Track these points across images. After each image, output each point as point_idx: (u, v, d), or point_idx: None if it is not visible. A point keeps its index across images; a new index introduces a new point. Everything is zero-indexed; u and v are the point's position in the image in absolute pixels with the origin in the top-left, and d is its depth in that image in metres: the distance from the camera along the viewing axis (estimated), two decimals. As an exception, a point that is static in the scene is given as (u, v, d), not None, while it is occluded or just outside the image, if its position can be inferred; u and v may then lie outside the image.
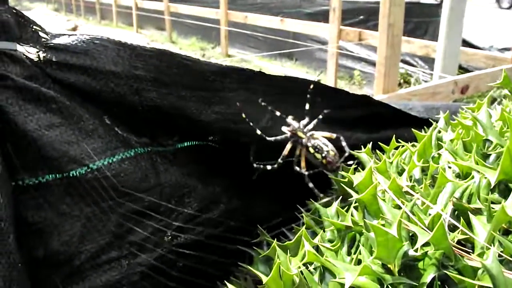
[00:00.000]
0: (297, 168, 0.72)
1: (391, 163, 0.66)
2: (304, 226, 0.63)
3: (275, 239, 0.60)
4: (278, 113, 0.70)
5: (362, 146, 0.75)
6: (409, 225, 0.46)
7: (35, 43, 0.53)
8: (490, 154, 0.59)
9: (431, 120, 0.84)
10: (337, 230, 0.56)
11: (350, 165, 0.72)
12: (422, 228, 0.45)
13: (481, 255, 0.43)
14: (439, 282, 0.42)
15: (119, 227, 0.58)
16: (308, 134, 0.72)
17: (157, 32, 8.22)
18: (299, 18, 4.92)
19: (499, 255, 0.42)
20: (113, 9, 9.74)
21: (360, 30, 3.59)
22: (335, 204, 0.61)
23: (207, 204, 0.68)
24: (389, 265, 0.44)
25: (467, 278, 0.40)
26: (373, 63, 4.05)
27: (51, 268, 0.54)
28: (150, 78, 0.59)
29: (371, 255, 0.46)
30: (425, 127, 0.84)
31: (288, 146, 0.72)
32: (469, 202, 0.51)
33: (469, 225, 0.47)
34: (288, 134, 0.71)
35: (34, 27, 0.53)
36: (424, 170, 0.62)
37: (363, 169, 0.69)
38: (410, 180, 0.60)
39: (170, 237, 0.63)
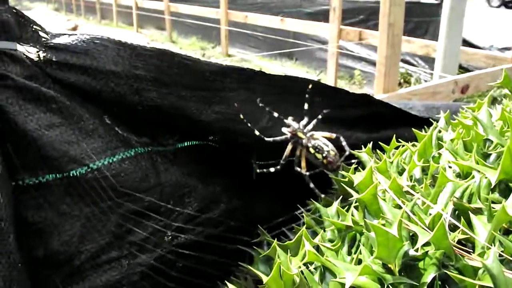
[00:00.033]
0: (298, 169, 0.72)
1: (392, 162, 0.66)
2: (305, 226, 0.63)
3: (275, 239, 0.60)
4: (276, 114, 0.71)
5: (362, 146, 0.75)
6: (409, 225, 0.46)
7: (35, 43, 0.53)
8: (490, 154, 0.59)
9: (431, 120, 0.84)
10: (338, 230, 0.55)
11: (351, 164, 0.72)
12: (423, 228, 0.45)
13: (481, 255, 0.43)
14: (439, 282, 0.42)
15: (119, 227, 0.58)
16: (308, 135, 0.72)
17: (157, 32, 8.22)
18: (299, 17, 4.92)
19: (500, 255, 0.42)
20: (113, 9, 9.73)
21: (360, 29, 3.59)
22: (336, 204, 0.61)
23: (207, 204, 0.68)
24: (389, 265, 0.44)
25: (468, 278, 0.40)
26: (373, 63, 4.05)
27: (51, 268, 0.54)
28: (150, 78, 0.59)
29: (372, 255, 0.45)
30: (425, 126, 0.84)
31: (289, 147, 0.72)
32: (469, 201, 0.51)
33: (469, 224, 0.47)
34: (289, 135, 0.71)
35: (34, 26, 0.53)
36: (424, 170, 0.62)
37: (363, 168, 0.69)
38: (411, 180, 0.60)
39: (170, 237, 0.63)
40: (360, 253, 0.49)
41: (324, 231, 0.59)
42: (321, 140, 0.72)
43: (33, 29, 0.53)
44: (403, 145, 0.72)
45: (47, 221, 0.53)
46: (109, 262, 0.58)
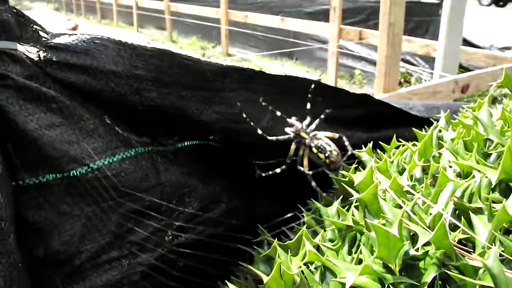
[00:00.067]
0: (301, 168, 0.72)
1: (392, 162, 0.66)
2: (305, 226, 0.63)
3: (276, 239, 0.60)
4: (278, 113, 0.71)
5: (363, 146, 0.75)
6: (410, 225, 0.46)
7: (35, 43, 0.53)
8: (491, 154, 0.59)
9: (431, 120, 0.84)
10: (338, 229, 0.55)
11: (351, 164, 0.72)
12: (423, 228, 0.45)
13: (482, 254, 0.43)
14: (440, 282, 0.42)
15: (119, 227, 0.58)
16: (311, 135, 0.72)
17: (157, 32, 8.22)
18: (299, 17, 4.92)
19: (500, 255, 0.42)
20: (113, 9, 9.73)
21: (361, 29, 3.59)
22: (336, 204, 0.61)
23: (207, 204, 0.68)
24: (390, 265, 0.44)
25: (468, 278, 0.40)
26: (373, 62, 4.05)
27: (52, 268, 0.54)
28: (151, 78, 0.59)
29: (372, 255, 0.45)
30: (425, 126, 0.84)
31: (293, 146, 0.72)
32: (470, 201, 0.51)
33: (470, 224, 0.47)
34: (292, 134, 0.71)
35: (35, 26, 0.53)
36: (425, 170, 0.62)
37: (363, 168, 0.69)
38: (411, 180, 0.60)
39: (170, 237, 0.63)
40: (361, 252, 0.49)
41: (325, 230, 0.59)
42: (324, 140, 0.72)
43: (33, 29, 0.53)
44: (403, 145, 0.72)
45: (47, 221, 0.53)
46: (109, 262, 0.58)
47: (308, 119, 0.73)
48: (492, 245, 0.43)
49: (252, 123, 0.68)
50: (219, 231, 0.70)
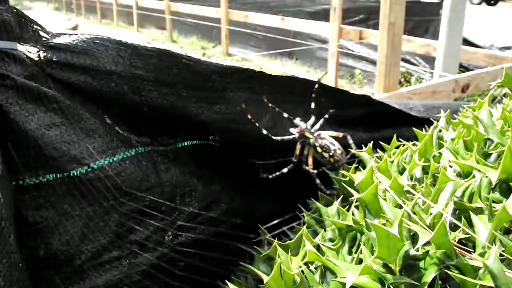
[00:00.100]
0: (306, 167, 0.73)
1: (392, 162, 0.66)
2: (305, 225, 0.63)
3: (276, 238, 0.60)
4: (285, 115, 0.72)
5: (363, 145, 0.75)
6: (410, 224, 0.46)
7: (35, 43, 0.53)
8: (491, 153, 0.59)
9: (431, 120, 0.84)
10: (338, 229, 0.55)
11: (352, 162, 0.73)
12: (423, 228, 0.45)
13: (482, 254, 0.43)
14: (440, 282, 0.42)
15: (120, 227, 0.58)
16: (315, 134, 0.73)
17: (157, 31, 8.21)
18: (299, 17, 4.92)
19: (501, 255, 0.42)
20: (113, 8, 9.73)
21: (361, 29, 3.59)
22: (336, 203, 0.61)
23: (208, 203, 0.68)
24: (390, 265, 0.44)
25: (469, 278, 0.40)
26: (373, 62, 4.05)
27: (52, 268, 0.54)
28: (151, 78, 0.58)
29: (372, 255, 0.45)
30: (426, 126, 0.84)
31: (298, 146, 0.73)
32: (470, 201, 0.51)
33: (470, 224, 0.47)
34: (296, 135, 0.72)
35: (35, 26, 0.53)
36: (425, 169, 0.62)
37: (364, 168, 0.69)
38: (411, 179, 0.60)
39: (171, 237, 0.63)
40: (361, 252, 0.49)
41: (325, 230, 0.59)
42: (328, 140, 0.73)
43: (34, 28, 0.53)
44: (403, 145, 0.72)
45: (47, 221, 0.53)
46: (110, 262, 0.58)
47: (312, 119, 0.74)
48: (492, 245, 0.43)
49: (257, 124, 0.69)
50: (220, 230, 0.70)
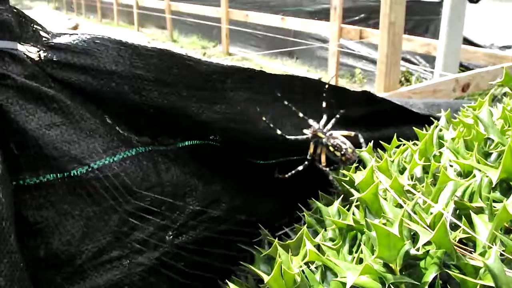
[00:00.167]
0: (319, 165, 0.76)
1: (393, 161, 0.66)
2: (306, 225, 0.63)
3: (277, 238, 0.60)
4: (301, 114, 0.74)
5: (363, 145, 0.76)
6: (410, 224, 0.46)
7: (35, 43, 0.53)
8: (491, 153, 0.59)
9: (432, 119, 0.84)
10: (339, 229, 0.55)
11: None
12: (424, 227, 0.45)
13: (482, 254, 0.43)
14: (440, 281, 0.42)
15: (120, 227, 0.58)
16: (327, 134, 0.76)
17: (158, 31, 8.21)
18: (300, 16, 4.92)
19: (501, 254, 0.42)
20: (114, 8, 9.74)
21: (361, 28, 3.59)
22: (337, 203, 0.61)
23: (208, 203, 0.68)
24: (390, 264, 0.44)
25: (469, 277, 0.40)
26: (374, 61, 4.05)
27: (53, 268, 0.54)
28: (151, 78, 0.58)
29: (373, 254, 0.45)
30: (426, 124, 0.84)
31: (311, 146, 0.76)
32: (470, 200, 0.51)
33: (470, 224, 0.47)
34: (310, 135, 0.75)
35: (35, 26, 0.53)
36: (425, 169, 0.62)
37: (364, 168, 0.69)
38: (412, 179, 0.60)
39: (171, 236, 0.63)
40: (361, 252, 0.49)
41: (325, 230, 0.59)
42: (340, 139, 0.76)
43: (34, 28, 0.53)
44: (404, 144, 0.72)
45: (48, 221, 0.53)
46: (110, 262, 0.58)
47: (324, 119, 0.76)
48: (492, 244, 0.43)
49: (271, 125, 0.71)
50: (220, 230, 0.70)
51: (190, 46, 6.86)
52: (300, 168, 0.75)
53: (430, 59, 4.16)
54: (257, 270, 0.57)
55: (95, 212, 0.56)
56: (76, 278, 0.56)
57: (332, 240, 0.57)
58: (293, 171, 0.76)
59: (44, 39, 0.54)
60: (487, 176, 0.51)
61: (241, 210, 0.73)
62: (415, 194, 0.54)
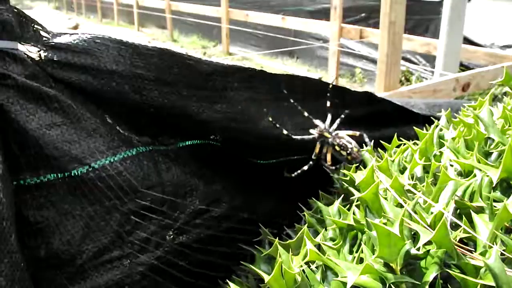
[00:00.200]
0: (325, 164, 0.77)
1: (393, 161, 0.66)
2: (306, 225, 0.63)
3: (277, 238, 0.60)
4: (306, 114, 0.75)
5: (364, 145, 0.76)
6: (411, 224, 0.46)
7: (36, 42, 0.53)
8: (492, 152, 0.59)
9: (432, 118, 0.84)
10: (339, 228, 0.55)
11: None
12: (424, 227, 0.45)
13: (483, 253, 0.43)
14: (441, 281, 0.42)
15: (121, 226, 0.58)
16: (333, 134, 0.77)
17: (158, 31, 8.22)
18: (300, 16, 4.92)
19: (502, 254, 0.42)
20: (114, 8, 9.74)
21: (361, 27, 3.59)
22: (337, 203, 0.61)
23: (209, 203, 0.68)
24: (391, 264, 0.44)
25: (470, 277, 0.40)
26: (374, 61, 4.05)
27: (53, 268, 0.54)
28: (152, 77, 0.58)
29: (373, 254, 0.45)
30: (427, 125, 0.84)
31: (317, 145, 0.77)
32: (471, 200, 0.51)
33: (471, 223, 0.47)
34: (316, 135, 0.76)
35: (35, 26, 0.53)
36: (425, 168, 0.62)
37: (365, 167, 0.69)
38: (412, 179, 0.60)
39: (172, 236, 0.63)
40: (362, 252, 0.49)
41: (326, 230, 0.59)
42: (345, 138, 0.77)
43: (34, 28, 0.53)
44: (404, 144, 0.72)
45: (48, 221, 0.53)
46: (111, 261, 0.58)
47: (329, 119, 0.77)
48: (493, 244, 0.43)
49: (278, 126, 0.71)
50: (221, 230, 0.70)
51: (190, 46, 6.86)
52: (306, 167, 0.76)
53: (430, 59, 4.16)
54: (258, 269, 0.57)
55: (95, 212, 0.56)
56: (77, 278, 0.56)
57: (332, 239, 0.57)
58: (299, 171, 0.76)
59: (44, 39, 0.54)
60: (487, 176, 0.51)
61: (242, 209, 0.73)
62: (415, 194, 0.54)
